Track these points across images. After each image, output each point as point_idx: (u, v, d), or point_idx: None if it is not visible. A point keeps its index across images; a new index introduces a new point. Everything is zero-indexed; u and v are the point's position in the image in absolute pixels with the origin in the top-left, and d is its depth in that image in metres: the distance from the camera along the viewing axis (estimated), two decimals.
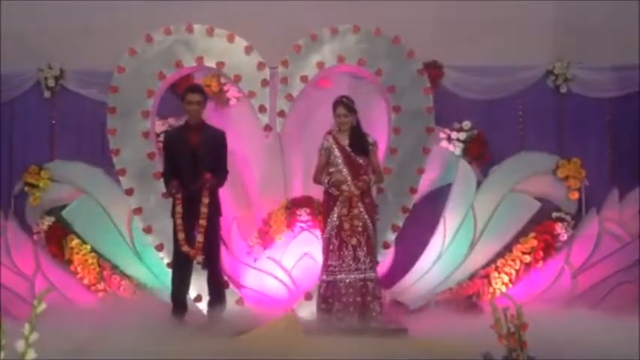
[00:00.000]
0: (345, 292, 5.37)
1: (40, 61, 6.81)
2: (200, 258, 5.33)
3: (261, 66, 6.12)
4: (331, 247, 5.44)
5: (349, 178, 5.44)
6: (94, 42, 6.68)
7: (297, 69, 6.15)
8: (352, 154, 5.50)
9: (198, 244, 5.29)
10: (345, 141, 5.54)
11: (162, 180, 5.68)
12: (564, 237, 6.51)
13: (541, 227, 6.52)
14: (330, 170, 5.50)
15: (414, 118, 6.13)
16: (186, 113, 5.58)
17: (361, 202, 5.42)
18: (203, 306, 5.73)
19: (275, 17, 6.69)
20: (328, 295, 5.41)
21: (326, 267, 5.47)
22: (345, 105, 5.51)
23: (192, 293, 5.74)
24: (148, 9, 6.71)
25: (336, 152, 5.49)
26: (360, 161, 5.50)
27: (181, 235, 5.31)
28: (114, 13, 6.78)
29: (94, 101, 6.78)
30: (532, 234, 6.48)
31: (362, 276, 5.39)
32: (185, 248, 5.30)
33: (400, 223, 6.08)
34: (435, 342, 4.55)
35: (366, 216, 5.45)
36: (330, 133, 5.59)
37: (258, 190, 6.64)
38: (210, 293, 5.53)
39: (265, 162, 6.65)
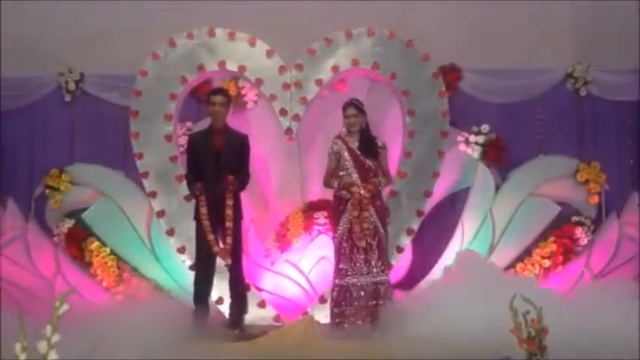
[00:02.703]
0: (357, 295, 5.33)
1: (60, 65, 6.87)
2: (229, 260, 5.34)
3: (282, 69, 6.15)
4: (342, 251, 5.39)
5: (359, 181, 5.41)
6: (114, 46, 6.71)
7: (312, 73, 6.16)
8: (361, 157, 5.47)
9: (228, 247, 5.30)
10: (354, 144, 5.50)
11: (184, 183, 5.70)
12: (584, 241, 6.45)
13: (560, 231, 6.46)
14: (340, 173, 5.47)
15: (429, 121, 6.12)
16: (210, 115, 5.61)
17: (372, 205, 5.39)
18: (225, 308, 5.75)
19: (289, 21, 6.68)
20: (341, 299, 5.38)
21: (338, 271, 5.43)
22: (354, 106, 5.49)
23: (213, 295, 5.76)
24: (166, 12, 6.74)
25: (346, 155, 5.46)
26: (370, 164, 5.47)
27: (211, 236, 5.32)
28: (134, 17, 6.81)
29: (114, 105, 6.84)
30: (551, 238, 6.43)
31: (373, 280, 5.35)
32: (216, 249, 5.31)
33: (415, 227, 6.06)
34: (450, 343, 4.51)
35: (376, 219, 5.41)
36: (339, 136, 5.56)
37: (276, 194, 6.65)
38: (232, 296, 5.54)
39: (282, 165, 6.66)
